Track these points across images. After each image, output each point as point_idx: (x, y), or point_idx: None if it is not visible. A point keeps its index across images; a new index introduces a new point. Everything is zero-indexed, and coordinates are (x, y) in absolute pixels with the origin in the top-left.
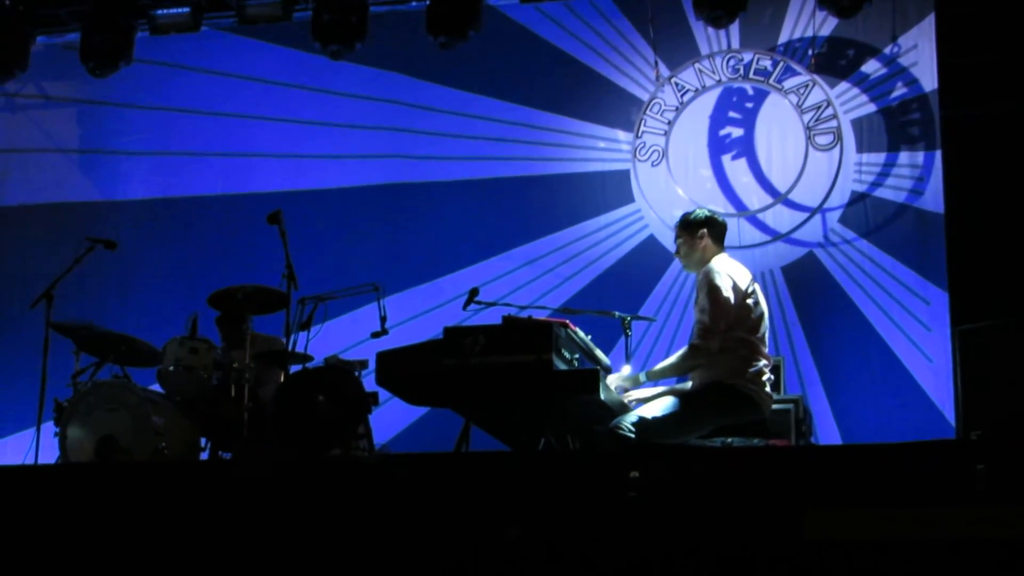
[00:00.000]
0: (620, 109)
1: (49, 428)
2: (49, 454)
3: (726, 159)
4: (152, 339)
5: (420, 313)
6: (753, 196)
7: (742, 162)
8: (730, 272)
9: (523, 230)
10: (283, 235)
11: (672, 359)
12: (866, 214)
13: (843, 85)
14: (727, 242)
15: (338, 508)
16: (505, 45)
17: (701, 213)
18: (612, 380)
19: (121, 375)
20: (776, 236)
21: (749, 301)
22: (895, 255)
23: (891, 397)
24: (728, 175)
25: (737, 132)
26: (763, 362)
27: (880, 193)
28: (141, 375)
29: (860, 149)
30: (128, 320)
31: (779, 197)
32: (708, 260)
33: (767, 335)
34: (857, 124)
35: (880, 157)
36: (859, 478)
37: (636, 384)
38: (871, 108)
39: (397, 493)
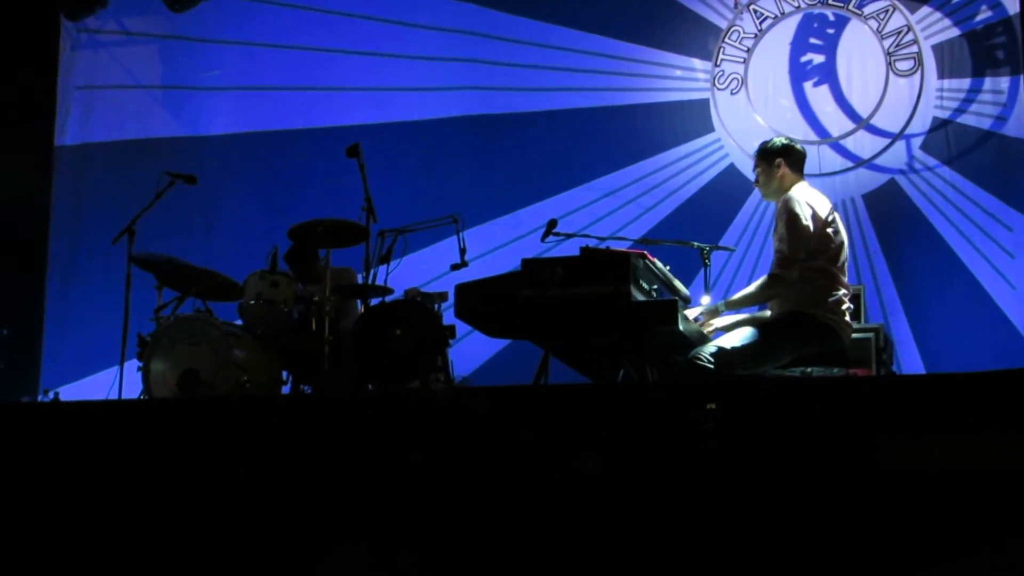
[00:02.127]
0: (698, 37)
1: (133, 364)
2: (133, 390)
3: (807, 86)
4: (233, 273)
5: (500, 245)
6: (834, 122)
7: (824, 88)
8: (809, 200)
9: (603, 161)
10: (362, 168)
11: (751, 288)
12: (948, 141)
13: (925, 9)
14: (807, 170)
15: (417, 440)
16: None
17: (778, 142)
18: (691, 312)
19: (203, 309)
20: (858, 163)
21: (829, 230)
22: (978, 182)
23: (974, 325)
24: (810, 102)
25: (818, 58)
26: (842, 291)
27: (963, 120)
28: (223, 309)
29: (942, 75)
30: (209, 254)
31: (861, 123)
32: (787, 189)
33: (847, 264)
34: (938, 49)
35: (963, 83)
36: (942, 407)
37: (715, 315)
38: (954, 32)
39: (476, 425)
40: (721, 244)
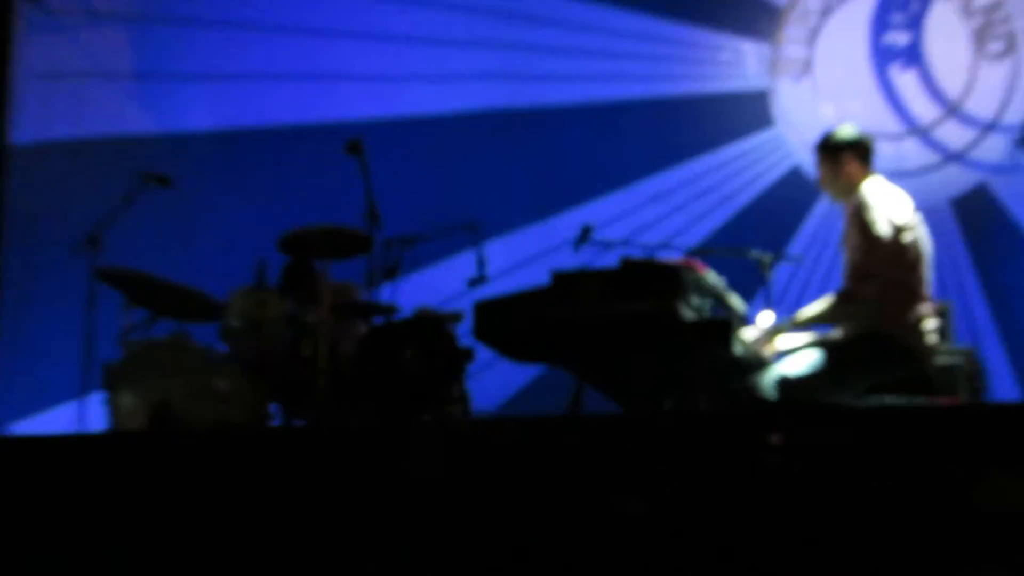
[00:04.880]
0: (755, 16)
1: (97, 398)
2: (96, 428)
3: (892, 69)
4: (215, 290)
5: (526, 259)
6: (921, 110)
7: (910, 72)
8: (885, 202)
9: (647, 161)
10: (364, 167)
11: (819, 306)
12: None
13: None
14: (884, 167)
15: (430, 480)
16: None
17: (844, 133)
18: (750, 332)
19: (179, 332)
20: (947, 156)
21: (908, 236)
22: None
23: None
24: (893, 87)
25: (903, 38)
26: (925, 307)
27: None
28: (202, 332)
29: None
30: (187, 269)
31: (949, 109)
32: (856, 187)
33: (930, 276)
34: None
35: None
36: None
37: (777, 335)
38: None
39: (499, 462)
40: (785, 254)
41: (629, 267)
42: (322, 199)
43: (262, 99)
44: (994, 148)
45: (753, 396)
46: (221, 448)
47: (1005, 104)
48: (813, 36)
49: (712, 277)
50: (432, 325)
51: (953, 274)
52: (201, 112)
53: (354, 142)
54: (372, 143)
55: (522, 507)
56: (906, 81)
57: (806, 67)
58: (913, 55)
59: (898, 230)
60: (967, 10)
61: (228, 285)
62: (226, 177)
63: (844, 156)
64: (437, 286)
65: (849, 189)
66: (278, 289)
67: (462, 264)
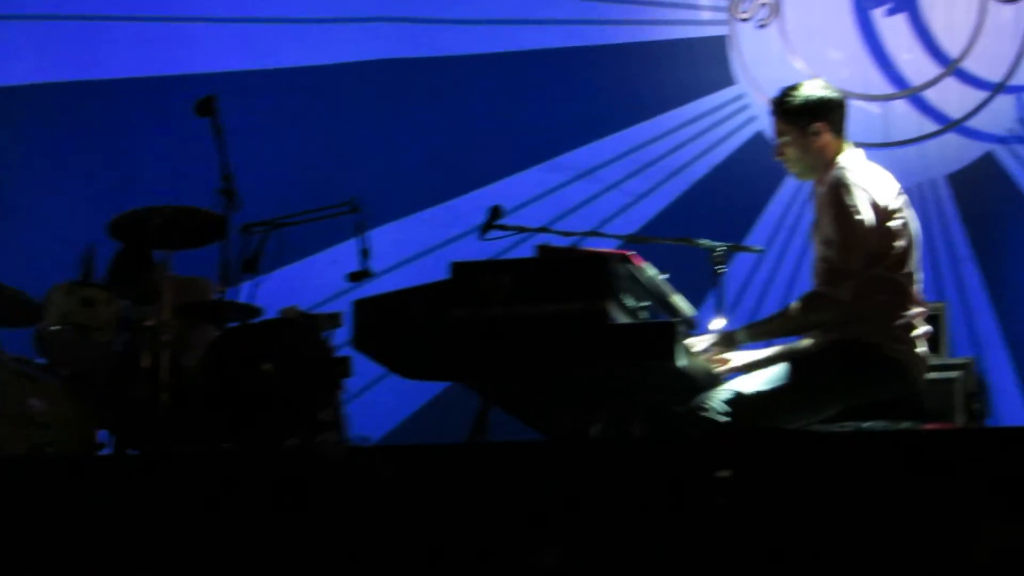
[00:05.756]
0: None
1: None
2: None
3: (877, 14)
4: (28, 286)
5: (422, 249)
6: (914, 67)
7: (900, 19)
8: (866, 183)
9: (574, 127)
10: (218, 132)
11: (785, 311)
12: None
13: None
14: (867, 138)
15: (294, 525)
16: None
17: (812, 92)
18: (698, 342)
19: None
20: (945, 125)
21: (894, 223)
22: None
23: None
24: (879, 38)
25: None
26: (914, 310)
27: None
28: (12, 338)
29: None
30: None
31: (949, 66)
32: (830, 162)
33: (920, 272)
34: None
35: None
36: None
37: (731, 346)
38: None
39: (379, 502)
40: (744, 244)
41: (547, 258)
42: (165, 171)
43: (91, 44)
44: (1002, 113)
45: (699, 419)
46: (35, 484)
47: (1018, 59)
48: None
49: (651, 272)
50: (299, 330)
51: (950, 269)
52: (11, 60)
53: (206, 100)
54: (228, 101)
55: (412, 559)
56: (895, 28)
57: (773, 10)
58: None
59: (883, 216)
60: None
61: (45, 280)
62: (43, 142)
63: (812, 123)
64: (309, 282)
65: (819, 165)
66: (108, 285)
67: (341, 255)
